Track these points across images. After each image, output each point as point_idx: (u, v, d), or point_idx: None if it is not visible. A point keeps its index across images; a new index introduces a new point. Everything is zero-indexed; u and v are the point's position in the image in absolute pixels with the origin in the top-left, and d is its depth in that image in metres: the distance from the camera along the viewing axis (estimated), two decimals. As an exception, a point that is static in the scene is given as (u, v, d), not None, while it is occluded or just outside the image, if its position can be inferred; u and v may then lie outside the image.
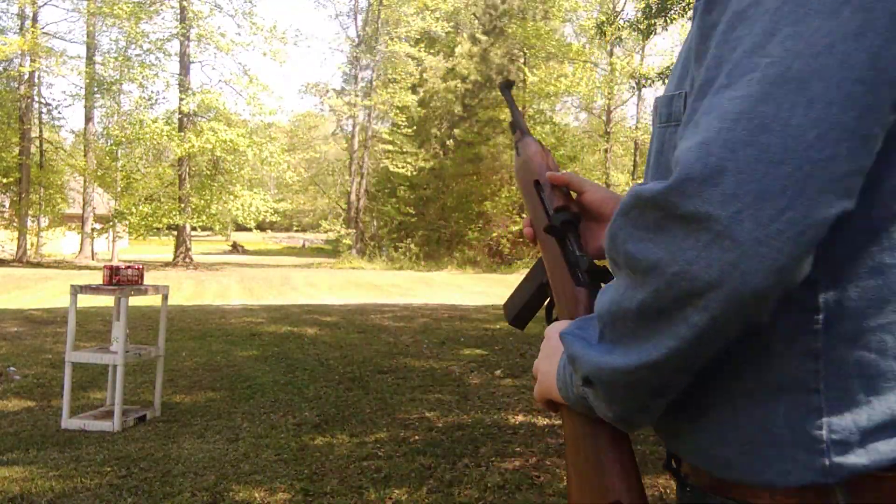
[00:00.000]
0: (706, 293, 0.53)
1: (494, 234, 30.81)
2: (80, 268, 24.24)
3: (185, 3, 24.94)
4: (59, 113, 49.55)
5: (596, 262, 0.85)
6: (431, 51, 32.64)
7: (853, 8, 0.52)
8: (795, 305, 0.59)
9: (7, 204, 27.42)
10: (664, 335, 0.57)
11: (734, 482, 0.64)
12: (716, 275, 0.52)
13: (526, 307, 0.99)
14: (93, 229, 27.57)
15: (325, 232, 39.40)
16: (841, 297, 0.59)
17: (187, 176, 26.15)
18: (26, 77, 25.78)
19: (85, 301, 11.03)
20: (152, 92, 29.27)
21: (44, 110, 28.04)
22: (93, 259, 28.08)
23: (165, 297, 4.91)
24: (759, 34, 0.54)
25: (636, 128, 31.72)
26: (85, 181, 27.77)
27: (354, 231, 32.28)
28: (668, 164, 0.64)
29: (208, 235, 56.19)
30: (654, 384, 0.61)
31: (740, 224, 0.51)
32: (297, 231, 63.62)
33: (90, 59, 26.74)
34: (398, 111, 31.49)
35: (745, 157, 0.51)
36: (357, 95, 32.47)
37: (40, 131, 27.95)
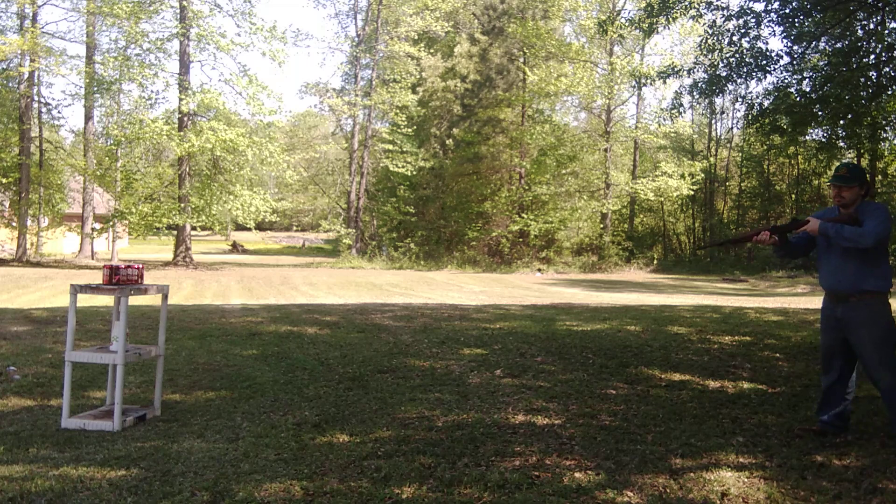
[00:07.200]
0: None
1: (494, 234, 30.78)
2: (80, 267, 24.24)
3: (184, 3, 24.91)
4: (58, 112, 49.61)
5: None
6: (431, 50, 32.61)
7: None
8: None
9: (7, 204, 27.39)
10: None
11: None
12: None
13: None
14: (93, 229, 27.55)
15: (325, 231, 39.41)
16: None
17: (187, 176, 26.14)
18: (26, 77, 25.76)
19: (85, 301, 10.96)
20: (152, 92, 29.34)
21: (43, 110, 28.03)
22: (93, 259, 28.09)
23: (165, 297, 4.90)
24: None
25: (636, 127, 31.64)
26: (85, 181, 27.76)
27: (354, 230, 32.25)
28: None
29: (208, 235, 56.19)
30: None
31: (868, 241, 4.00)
32: (297, 231, 63.63)
33: (90, 59, 26.72)
34: (398, 111, 31.46)
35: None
36: (357, 95, 32.44)
37: (40, 131, 27.92)
